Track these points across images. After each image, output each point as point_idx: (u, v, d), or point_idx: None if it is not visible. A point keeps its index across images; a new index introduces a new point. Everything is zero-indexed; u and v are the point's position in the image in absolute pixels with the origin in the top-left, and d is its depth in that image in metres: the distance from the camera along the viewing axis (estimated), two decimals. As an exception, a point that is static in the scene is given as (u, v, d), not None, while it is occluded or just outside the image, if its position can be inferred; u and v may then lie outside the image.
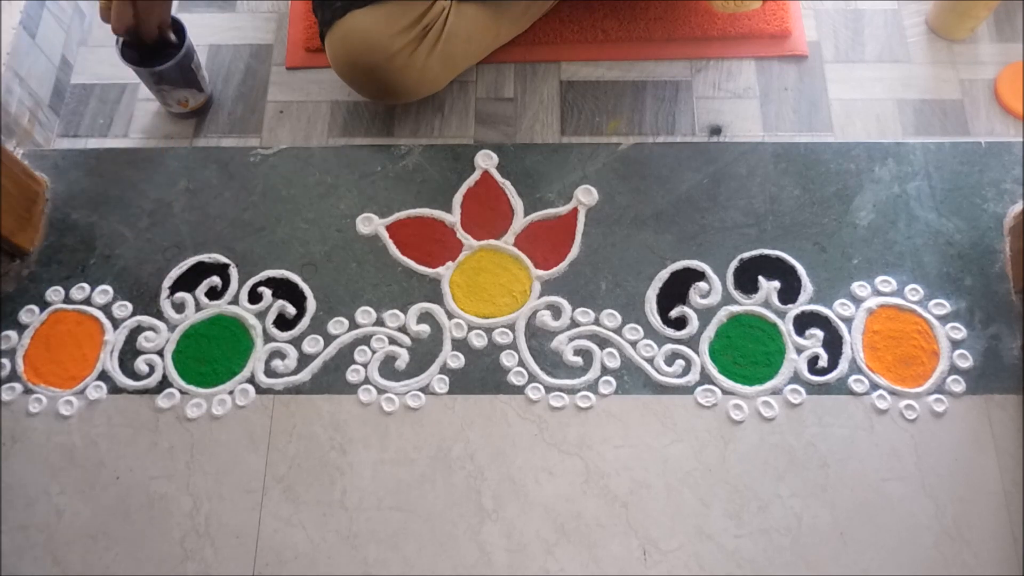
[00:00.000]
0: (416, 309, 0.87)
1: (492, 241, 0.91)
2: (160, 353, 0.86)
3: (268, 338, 0.86)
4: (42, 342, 0.87)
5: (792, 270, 0.88)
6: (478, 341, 0.86)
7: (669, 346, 0.85)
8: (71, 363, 0.86)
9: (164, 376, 0.85)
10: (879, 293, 0.87)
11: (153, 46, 0.93)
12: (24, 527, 0.79)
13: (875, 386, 0.82)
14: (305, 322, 0.87)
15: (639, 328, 0.86)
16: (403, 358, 0.85)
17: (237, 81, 1.04)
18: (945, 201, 0.91)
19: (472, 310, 0.87)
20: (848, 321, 0.85)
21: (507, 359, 0.85)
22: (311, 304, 0.88)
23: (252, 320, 0.87)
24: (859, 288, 0.87)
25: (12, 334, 0.87)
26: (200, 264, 0.90)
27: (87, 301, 0.88)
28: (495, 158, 0.95)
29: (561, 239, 0.91)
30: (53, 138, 1.01)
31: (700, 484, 0.79)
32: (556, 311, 0.87)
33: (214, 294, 0.89)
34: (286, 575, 0.76)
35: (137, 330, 0.87)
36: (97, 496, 0.80)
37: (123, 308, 0.88)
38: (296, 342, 0.86)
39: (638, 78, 1.02)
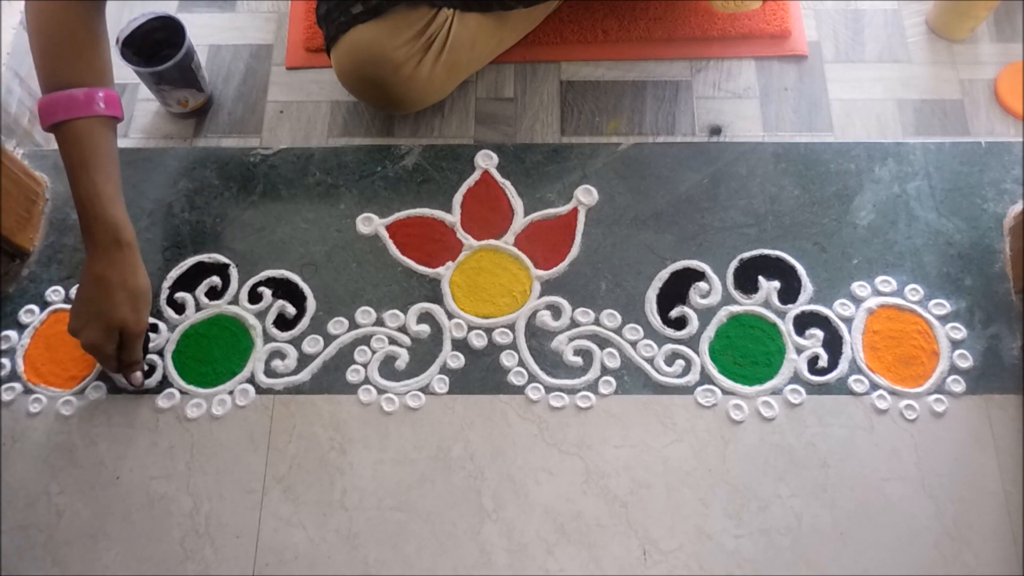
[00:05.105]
0: (416, 309, 0.87)
1: (492, 241, 0.91)
2: (160, 353, 0.86)
3: (268, 338, 0.86)
4: (42, 342, 0.87)
5: (792, 270, 0.88)
6: (478, 341, 0.86)
7: (669, 346, 0.85)
8: (71, 363, 0.86)
9: (164, 376, 0.85)
10: (879, 293, 0.87)
11: (153, 47, 0.94)
12: (24, 527, 0.79)
13: (875, 386, 0.82)
14: (305, 322, 0.87)
15: (639, 328, 0.86)
16: (403, 358, 0.85)
17: (237, 81, 1.04)
18: (945, 201, 0.91)
19: (472, 310, 0.87)
20: (848, 321, 0.85)
21: (507, 359, 0.85)
22: (311, 304, 0.88)
23: (252, 320, 0.87)
24: (859, 288, 0.87)
25: (12, 334, 0.87)
26: (200, 264, 0.90)
27: (87, 301, 0.88)
28: (495, 158, 0.95)
29: (561, 239, 0.91)
30: (53, 138, 1.00)
31: (700, 484, 0.79)
32: (556, 311, 0.87)
33: (214, 294, 0.89)
34: (286, 575, 0.76)
35: (137, 330, 0.87)
36: (97, 496, 0.80)
37: (123, 308, 0.88)
38: (296, 342, 0.86)
39: (638, 78, 1.02)
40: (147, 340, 0.83)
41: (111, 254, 0.77)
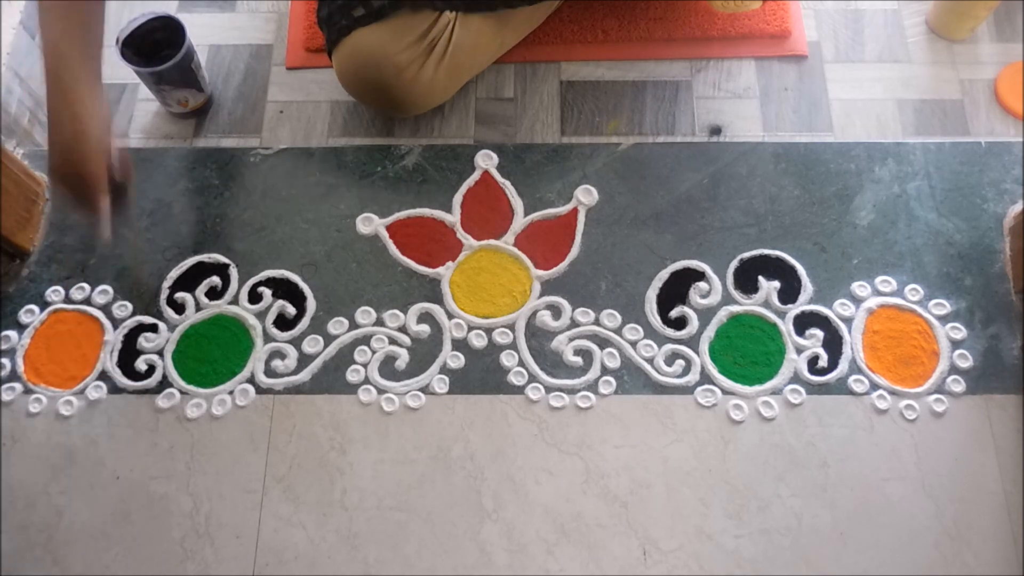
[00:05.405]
0: (416, 309, 0.87)
1: (492, 241, 0.91)
2: (160, 353, 0.86)
3: (268, 338, 0.86)
4: (42, 342, 0.87)
5: (792, 270, 0.88)
6: (478, 341, 0.86)
7: (669, 346, 0.85)
8: (71, 363, 0.86)
9: (164, 376, 0.85)
10: (879, 293, 0.87)
11: (153, 47, 0.94)
12: (24, 527, 0.79)
13: (875, 386, 0.82)
14: (305, 322, 0.87)
15: (639, 328, 0.86)
16: (403, 358, 0.85)
17: (237, 81, 1.04)
18: (945, 201, 0.91)
19: (472, 310, 0.87)
20: (848, 321, 0.85)
21: (507, 359, 0.85)
22: (311, 304, 0.88)
23: (252, 320, 0.87)
24: (859, 288, 0.87)
25: (12, 334, 0.87)
26: (200, 264, 0.90)
27: (87, 301, 0.88)
28: (495, 158, 0.95)
29: (561, 239, 0.91)
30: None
31: (700, 484, 0.79)
32: (556, 311, 0.87)
33: (214, 294, 0.89)
34: (286, 575, 0.76)
35: (137, 330, 0.87)
36: (97, 496, 0.80)
37: (123, 308, 0.88)
38: (296, 342, 0.86)
39: (638, 78, 1.02)
40: (118, 188, 0.76)
41: (48, 91, 0.71)
